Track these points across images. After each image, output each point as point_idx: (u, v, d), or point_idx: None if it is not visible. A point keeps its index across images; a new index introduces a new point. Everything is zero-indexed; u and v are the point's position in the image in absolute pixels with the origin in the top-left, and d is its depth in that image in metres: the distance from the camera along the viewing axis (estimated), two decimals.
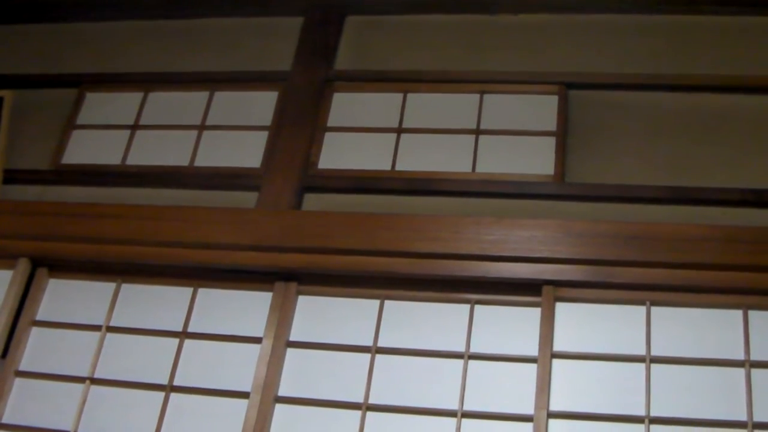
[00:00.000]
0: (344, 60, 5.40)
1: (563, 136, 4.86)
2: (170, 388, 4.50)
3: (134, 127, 5.38)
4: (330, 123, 5.17)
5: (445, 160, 4.92)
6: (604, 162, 4.77)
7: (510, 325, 4.38)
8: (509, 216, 4.58)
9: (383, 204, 4.80)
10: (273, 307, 4.55)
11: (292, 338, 4.52)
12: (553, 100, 5.00)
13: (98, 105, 5.53)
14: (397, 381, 4.35)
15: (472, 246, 4.43)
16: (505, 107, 5.05)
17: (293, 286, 4.60)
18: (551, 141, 4.87)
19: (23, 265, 4.82)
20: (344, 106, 5.23)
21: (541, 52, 5.20)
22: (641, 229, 4.36)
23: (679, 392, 4.09)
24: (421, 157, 4.95)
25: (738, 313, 4.22)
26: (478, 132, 4.98)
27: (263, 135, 5.17)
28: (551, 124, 4.92)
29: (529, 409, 4.14)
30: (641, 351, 4.19)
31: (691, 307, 4.28)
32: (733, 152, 4.70)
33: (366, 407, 4.30)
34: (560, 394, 4.17)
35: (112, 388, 4.56)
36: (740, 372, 4.09)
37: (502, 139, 4.94)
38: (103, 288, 4.83)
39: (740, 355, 4.12)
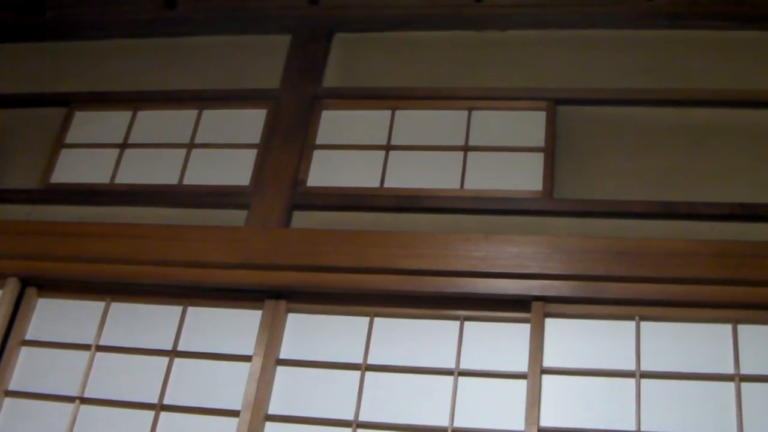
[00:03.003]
0: (333, 77, 5.40)
1: (552, 151, 4.87)
2: (160, 407, 4.49)
3: (123, 146, 5.37)
4: (319, 140, 5.17)
5: (433, 176, 4.93)
6: (592, 177, 4.77)
7: (499, 342, 4.38)
8: (498, 232, 4.58)
9: (372, 221, 4.80)
10: (263, 325, 4.54)
11: (282, 356, 4.52)
12: (541, 116, 5.01)
13: (87, 124, 5.52)
14: (387, 398, 4.34)
15: (461, 262, 4.44)
16: (494, 123, 5.06)
17: (283, 304, 4.59)
18: (540, 157, 4.87)
19: (12, 284, 4.81)
20: (333, 123, 5.23)
21: (529, 68, 5.21)
22: (630, 244, 4.37)
23: (669, 407, 4.09)
24: (410, 174, 4.96)
25: (727, 328, 4.23)
26: (466, 149, 4.99)
27: (252, 153, 5.17)
28: (539, 140, 4.93)
29: (519, 425, 4.14)
30: (631, 366, 4.20)
31: (681, 322, 4.28)
32: (721, 166, 4.71)
33: (356, 425, 4.29)
34: (550, 410, 4.17)
35: (101, 407, 4.55)
36: (730, 386, 4.09)
37: (491, 156, 4.95)
38: (93, 307, 4.82)
39: (730, 370, 4.12)
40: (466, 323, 4.45)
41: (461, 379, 4.32)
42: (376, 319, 4.54)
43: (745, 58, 5.03)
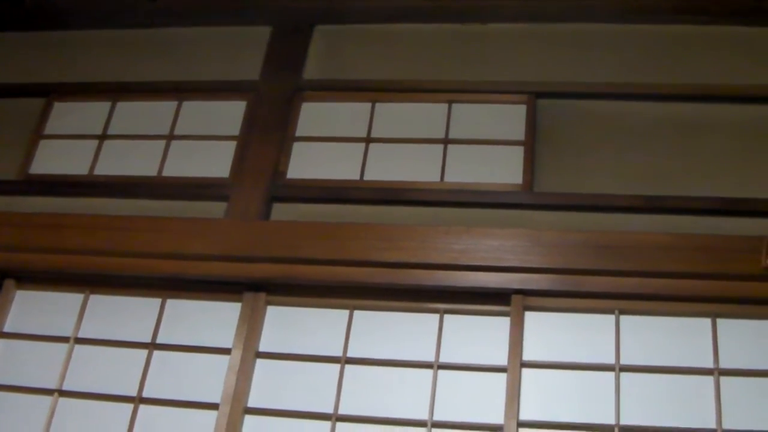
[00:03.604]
0: (313, 69, 5.39)
1: (532, 145, 4.87)
2: (139, 400, 4.48)
3: (102, 137, 5.35)
4: (299, 132, 5.16)
5: (413, 169, 4.92)
6: (572, 171, 4.77)
7: (479, 335, 4.39)
8: (478, 225, 4.58)
9: (352, 213, 4.79)
10: (242, 318, 4.54)
11: (261, 349, 4.51)
12: (521, 110, 5.01)
13: (66, 114, 5.50)
14: (367, 391, 4.35)
15: (441, 255, 4.44)
16: (474, 117, 5.06)
17: (262, 296, 4.59)
18: (520, 150, 4.87)
19: None
20: (313, 115, 5.22)
21: (510, 62, 5.21)
22: (610, 237, 4.38)
23: (649, 400, 4.11)
24: (390, 166, 4.95)
25: (707, 322, 4.24)
26: (446, 141, 4.98)
27: (232, 145, 5.16)
28: (520, 134, 4.93)
29: (499, 419, 4.15)
30: (611, 360, 4.21)
31: (661, 316, 4.30)
32: (703, 161, 4.72)
33: (336, 418, 4.29)
34: (530, 403, 4.18)
35: (80, 400, 4.53)
36: (709, 380, 4.11)
37: (471, 149, 4.94)
38: (71, 299, 4.81)
39: (709, 363, 4.14)
40: (446, 316, 4.45)
41: (441, 372, 4.32)
42: (356, 312, 4.54)
43: (731, 53, 5.03)
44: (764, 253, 4.20)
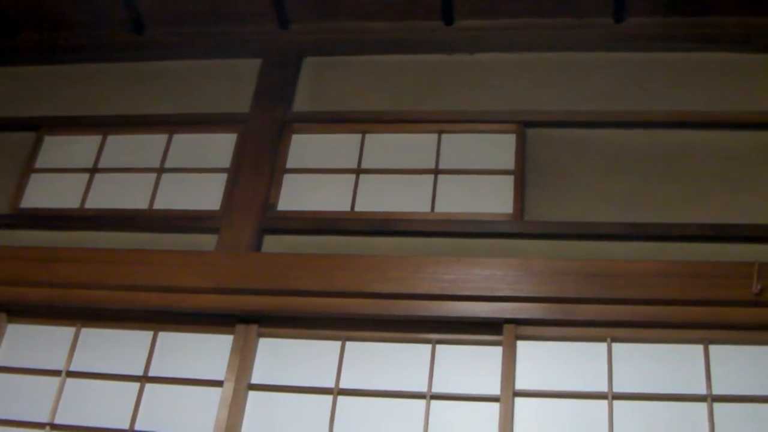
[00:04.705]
0: (302, 101, 5.41)
1: (522, 174, 4.88)
2: None
3: (93, 171, 5.35)
4: (289, 164, 5.17)
5: (404, 200, 4.93)
6: (563, 199, 4.78)
7: (472, 364, 4.38)
8: (469, 255, 4.59)
9: (343, 245, 4.79)
10: (234, 350, 4.53)
11: (253, 381, 4.50)
12: (510, 139, 5.02)
13: (57, 148, 5.50)
14: (359, 423, 4.34)
15: (432, 285, 4.44)
16: (464, 147, 5.07)
17: (254, 328, 4.58)
18: (510, 179, 4.89)
19: None
20: (303, 147, 5.23)
21: (498, 91, 5.23)
22: (601, 266, 4.39)
23: (642, 428, 4.10)
24: (380, 197, 4.96)
25: (699, 348, 4.24)
26: (436, 171, 4.99)
27: (222, 177, 5.16)
28: (509, 163, 4.94)
29: None
30: (603, 388, 4.20)
31: (653, 343, 4.30)
32: (691, 188, 4.74)
33: None
34: None
35: None
36: (702, 406, 4.11)
37: (461, 179, 4.95)
38: (63, 332, 4.80)
39: (702, 390, 4.14)
40: (438, 346, 4.45)
41: (434, 402, 4.32)
42: (348, 343, 4.53)
43: (715, 81, 5.06)
44: (755, 279, 4.21)
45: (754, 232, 4.52)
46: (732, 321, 4.22)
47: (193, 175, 5.24)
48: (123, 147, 5.44)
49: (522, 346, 4.36)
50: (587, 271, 4.37)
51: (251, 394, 4.48)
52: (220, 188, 5.11)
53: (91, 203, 5.24)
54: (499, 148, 5.01)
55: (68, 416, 4.57)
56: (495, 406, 4.22)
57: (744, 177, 4.72)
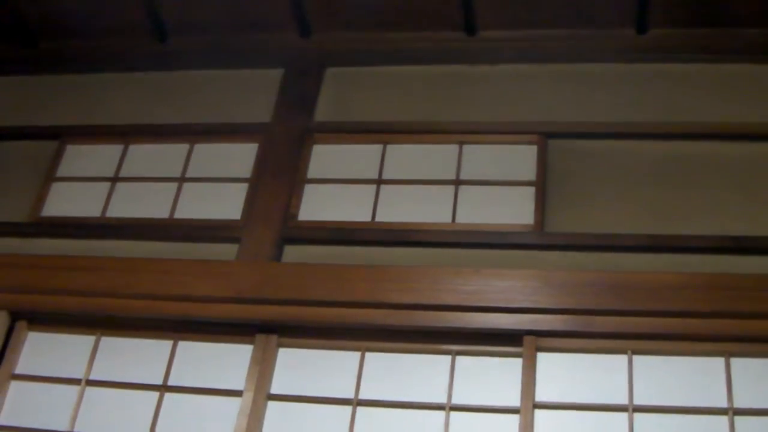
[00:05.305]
0: (324, 111, 5.41)
1: (542, 185, 4.87)
2: None
3: (114, 179, 5.37)
4: (310, 174, 5.17)
5: (424, 211, 4.93)
6: (583, 211, 4.77)
7: (491, 376, 4.37)
8: (489, 266, 4.59)
9: (363, 255, 4.79)
10: (254, 360, 4.53)
11: (272, 391, 4.50)
12: (532, 150, 5.01)
13: (78, 157, 5.52)
14: None
15: (452, 297, 4.43)
16: (485, 157, 5.06)
17: (274, 338, 4.58)
18: (530, 191, 4.88)
19: (2, 318, 4.80)
20: (324, 157, 5.23)
21: (520, 102, 5.22)
22: (621, 278, 4.37)
23: None
24: (401, 208, 4.96)
25: (720, 361, 4.22)
26: (457, 182, 4.99)
27: (243, 187, 5.17)
28: (530, 174, 4.93)
29: None
30: (624, 400, 4.18)
31: (673, 356, 4.28)
32: (712, 199, 4.72)
33: None
34: None
35: None
36: (723, 420, 4.08)
37: (482, 190, 4.95)
38: (83, 341, 4.80)
39: (723, 403, 4.11)
40: (458, 357, 4.44)
41: (453, 414, 4.30)
42: (368, 354, 4.52)
43: (736, 91, 5.04)
44: None
45: None
46: (753, 334, 4.20)
47: (213, 184, 5.25)
48: (144, 156, 5.45)
49: (542, 357, 4.34)
50: (607, 283, 4.35)
51: (270, 404, 4.47)
52: (241, 198, 5.12)
53: (112, 212, 5.25)
54: (520, 159, 4.99)
55: (88, 425, 4.57)
56: (515, 418, 4.21)
57: (764, 188, 4.70)
